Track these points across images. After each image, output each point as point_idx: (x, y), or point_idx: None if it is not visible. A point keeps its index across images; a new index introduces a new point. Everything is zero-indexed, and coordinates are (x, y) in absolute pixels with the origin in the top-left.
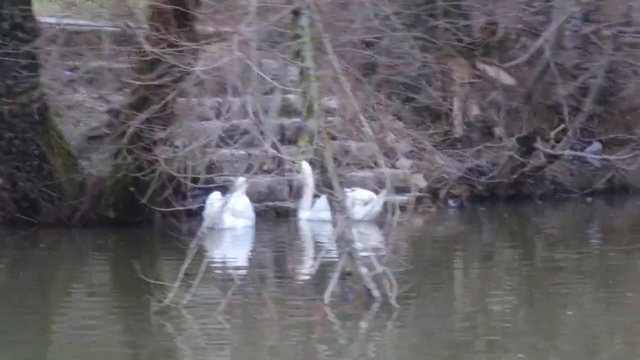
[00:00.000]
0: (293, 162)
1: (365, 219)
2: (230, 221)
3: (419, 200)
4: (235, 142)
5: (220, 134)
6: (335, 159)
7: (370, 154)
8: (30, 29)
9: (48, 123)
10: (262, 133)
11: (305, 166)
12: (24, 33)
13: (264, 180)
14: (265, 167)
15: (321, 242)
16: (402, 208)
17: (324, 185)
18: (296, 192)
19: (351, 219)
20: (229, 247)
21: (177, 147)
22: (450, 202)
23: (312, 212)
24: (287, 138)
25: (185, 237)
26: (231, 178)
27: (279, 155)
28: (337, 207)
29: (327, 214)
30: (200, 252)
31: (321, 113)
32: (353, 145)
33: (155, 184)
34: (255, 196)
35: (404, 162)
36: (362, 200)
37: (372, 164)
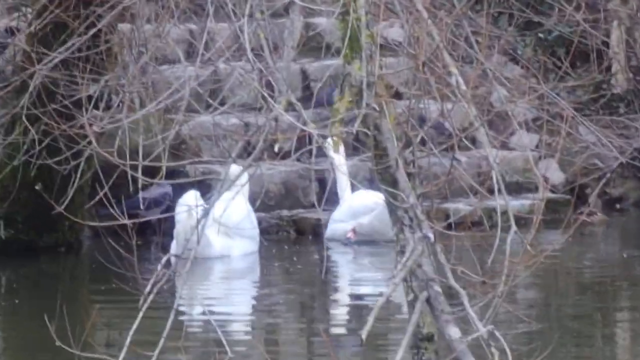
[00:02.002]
0: (324, 138)
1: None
2: (219, 244)
3: (552, 206)
4: (222, 103)
5: (195, 88)
6: (404, 133)
7: (462, 123)
8: None
9: None
10: (269, 86)
11: (335, 150)
12: None
13: (275, 172)
14: (276, 148)
15: (367, 279)
16: (523, 219)
17: (381, 180)
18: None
19: (429, 239)
20: (217, 291)
21: (118, 111)
22: None
23: (333, 222)
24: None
25: (136, 273)
26: (217, 167)
27: (300, 126)
28: (405, 218)
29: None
30: (166, 302)
31: (375, 50)
32: (432, 108)
33: (80, 179)
34: (261, 199)
35: (525, 138)
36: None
37: (467, 143)
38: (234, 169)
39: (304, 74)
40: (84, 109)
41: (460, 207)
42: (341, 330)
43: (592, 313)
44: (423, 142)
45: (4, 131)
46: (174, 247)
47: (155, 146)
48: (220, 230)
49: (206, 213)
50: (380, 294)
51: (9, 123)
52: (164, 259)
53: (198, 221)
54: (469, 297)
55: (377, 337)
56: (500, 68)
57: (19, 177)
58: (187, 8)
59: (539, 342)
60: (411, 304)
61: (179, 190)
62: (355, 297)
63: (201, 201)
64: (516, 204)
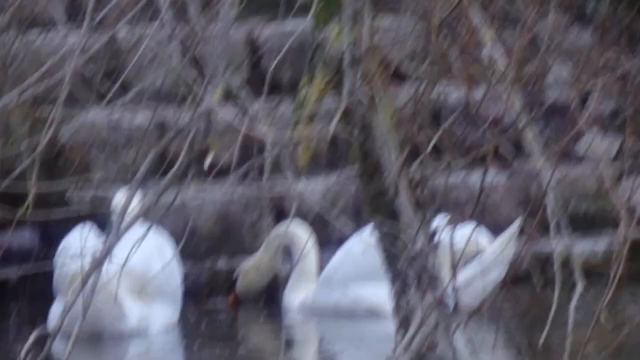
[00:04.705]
0: (283, 146)
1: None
2: (136, 313)
3: None
4: (124, 92)
5: (82, 67)
6: (408, 136)
7: (500, 119)
8: None
9: None
10: (198, 65)
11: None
12: None
13: (207, 200)
14: (208, 162)
15: None
16: (595, 272)
17: (373, 211)
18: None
19: (448, 307)
20: None
21: None
22: None
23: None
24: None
25: None
26: (114, 192)
27: (245, 127)
28: (409, 273)
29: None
30: None
31: (364, 6)
32: (454, 96)
33: None
34: (183, 243)
35: (599, 144)
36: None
37: (508, 152)
38: (119, 196)
39: (253, 44)
40: None
41: None
42: None
43: None
44: (438, 152)
45: None
46: (55, 315)
47: (18, 160)
48: (130, 290)
49: (102, 261)
50: None
51: None
52: (32, 337)
53: (88, 275)
54: None
55: None
56: (561, 34)
57: None
58: None
59: None
60: None
61: (57, 230)
62: None
63: (95, 242)
64: (585, 248)
